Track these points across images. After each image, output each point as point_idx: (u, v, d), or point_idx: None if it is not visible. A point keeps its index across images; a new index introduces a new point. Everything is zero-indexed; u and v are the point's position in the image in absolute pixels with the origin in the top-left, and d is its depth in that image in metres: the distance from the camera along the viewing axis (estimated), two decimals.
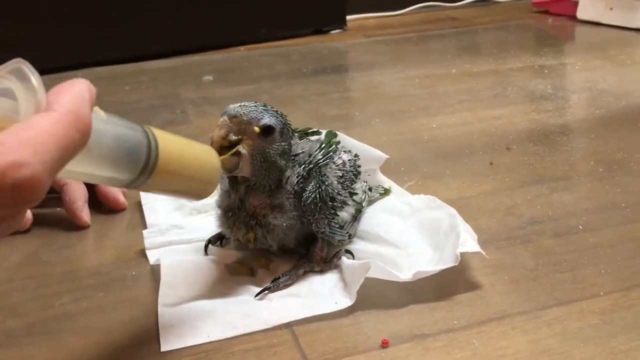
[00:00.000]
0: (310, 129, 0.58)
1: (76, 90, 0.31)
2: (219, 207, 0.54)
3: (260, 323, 0.47)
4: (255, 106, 0.49)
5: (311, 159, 0.53)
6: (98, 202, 0.67)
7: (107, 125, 0.34)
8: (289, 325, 0.47)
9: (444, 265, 0.50)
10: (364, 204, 0.58)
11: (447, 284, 0.51)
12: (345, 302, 0.49)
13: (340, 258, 0.54)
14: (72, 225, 0.64)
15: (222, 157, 0.47)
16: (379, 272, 0.49)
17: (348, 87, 1.18)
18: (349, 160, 0.56)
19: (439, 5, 2.01)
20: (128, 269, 0.56)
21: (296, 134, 0.54)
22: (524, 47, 1.44)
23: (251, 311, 0.48)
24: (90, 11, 1.39)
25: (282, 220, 0.51)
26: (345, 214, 0.54)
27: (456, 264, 0.49)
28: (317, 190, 0.51)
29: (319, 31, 1.69)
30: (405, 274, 0.49)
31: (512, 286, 0.51)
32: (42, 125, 0.29)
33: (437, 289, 0.50)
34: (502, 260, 0.54)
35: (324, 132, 0.59)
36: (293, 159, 0.52)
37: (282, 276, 0.52)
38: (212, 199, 0.65)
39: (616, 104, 0.96)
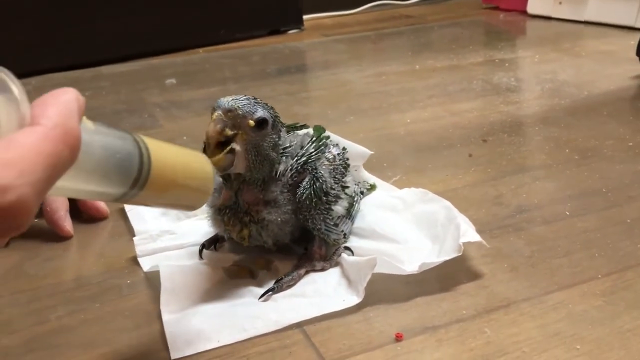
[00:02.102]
0: (298, 123, 0.58)
1: (63, 101, 0.28)
2: (211, 206, 0.53)
3: (270, 324, 0.46)
4: (247, 99, 0.47)
5: (304, 151, 0.53)
6: (78, 210, 0.65)
7: (95, 136, 0.31)
8: (299, 325, 0.47)
9: (448, 256, 0.50)
10: (355, 197, 0.58)
11: (450, 275, 0.51)
12: (353, 299, 0.48)
13: (340, 255, 0.54)
14: (54, 236, 0.62)
15: (217, 156, 0.46)
16: (384, 267, 0.49)
17: (315, 86, 1.17)
18: (338, 154, 0.56)
19: (392, 4, 2.04)
20: (121, 278, 0.55)
21: (284, 128, 0.54)
22: (481, 42, 1.48)
23: (259, 313, 0.48)
24: (42, 15, 1.34)
25: (277, 215, 0.51)
26: (339, 208, 0.54)
27: (460, 254, 0.50)
28: (312, 186, 0.51)
29: (276, 31, 1.69)
30: (410, 267, 0.49)
31: (512, 274, 0.52)
32: (28, 142, 0.26)
33: (440, 280, 0.51)
34: (498, 249, 0.55)
35: (310, 126, 0.58)
36: (283, 152, 0.52)
37: (285, 277, 0.51)
38: None
39: (579, 94, 0.99)
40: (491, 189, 0.67)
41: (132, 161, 0.34)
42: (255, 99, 0.49)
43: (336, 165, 0.55)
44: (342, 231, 0.54)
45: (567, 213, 0.61)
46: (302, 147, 0.53)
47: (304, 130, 0.57)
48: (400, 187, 0.66)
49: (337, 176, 0.54)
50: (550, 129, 0.84)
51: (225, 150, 0.46)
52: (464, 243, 0.51)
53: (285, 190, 0.51)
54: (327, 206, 0.52)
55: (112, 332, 0.47)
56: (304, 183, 0.51)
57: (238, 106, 0.46)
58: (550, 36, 1.47)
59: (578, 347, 0.43)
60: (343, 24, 1.81)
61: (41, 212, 0.62)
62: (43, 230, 0.62)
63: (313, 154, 0.52)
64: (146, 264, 0.55)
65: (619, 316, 0.46)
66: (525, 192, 0.66)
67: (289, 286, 0.51)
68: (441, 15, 1.84)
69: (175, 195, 0.39)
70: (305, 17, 1.75)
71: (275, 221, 0.50)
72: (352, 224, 0.57)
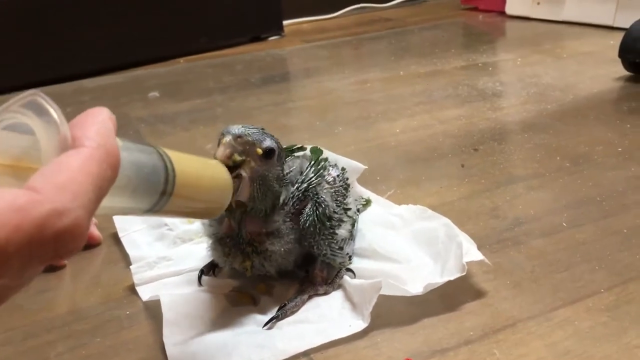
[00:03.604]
0: (295, 145, 0.57)
1: (101, 120, 0.29)
2: (211, 235, 0.52)
3: (277, 354, 0.46)
4: (256, 128, 0.47)
5: (304, 177, 0.52)
6: None
7: (124, 153, 0.31)
8: (306, 354, 0.46)
9: (452, 275, 0.50)
10: (356, 217, 0.57)
11: (453, 294, 0.51)
12: (359, 324, 0.48)
13: (342, 277, 0.53)
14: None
15: None
16: (388, 289, 0.49)
17: (301, 96, 1.17)
18: (337, 175, 0.55)
19: (370, 7, 2.04)
20: (120, 308, 0.53)
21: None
22: (462, 45, 1.48)
23: (264, 341, 0.47)
24: (21, 30, 1.32)
25: (280, 245, 0.50)
26: (343, 231, 0.53)
27: (464, 274, 0.50)
28: (315, 213, 0.50)
29: (257, 38, 1.68)
30: (414, 288, 0.49)
31: (515, 290, 0.52)
32: (76, 164, 0.26)
33: (443, 299, 0.51)
34: (499, 264, 0.55)
35: (307, 147, 0.58)
36: (284, 179, 0.51)
37: (288, 303, 0.50)
38: (194, 225, 0.64)
39: (564, 98, 1.00)
40: (486, 201, 0.67)
41: (159, 175, 0.34)
42: (263, 129, 0.48)
43: (337, 187, 0.54)
44: (347, 254, 0.54)
45: (564, 224, 0.61)
46: (301, 173, 0.52)
47: (300, 153, 0.56)
48: (396, 201, 0.65)
49: (338, 198, 0.53)
50: (540, 135, 0.85)
51: (232, 175, 0.45)
52: (469, 264, 0.50)
53: (288, 220, 0.50)
54: (332, 230, 0.52)
55: None
56: (306, 210, 0.50)
57: (248, 133, 0.46)
58: (530, 37, 1.48)
59: None
60: (323, 28, 1.80)
61: None
62: None
63: (313, 179, 0.52)
64: (145, 293, 0.54)
65: (625, 332, 0.46)
66: (521, 203, 0.66)
67: (293, 312, 0.50)
68: (420, 18, 1.84)
69: (198, 204, 0.40)
70: (285, 22, 1.75)
71: (278, 252, 0.50)
72: (354, 244, 0.57)
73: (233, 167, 0.46)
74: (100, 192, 0.27)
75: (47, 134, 0.27)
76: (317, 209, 0.51)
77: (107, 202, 0.31)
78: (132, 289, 0.56)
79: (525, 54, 1.31)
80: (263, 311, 0.51)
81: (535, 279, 0.53)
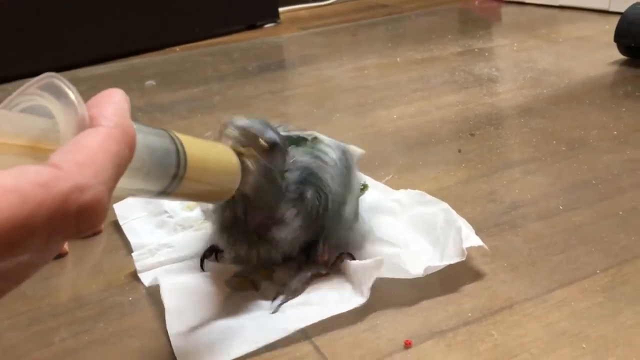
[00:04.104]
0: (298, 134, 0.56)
1: (117, 101, 0.29)
2: (215, 223, 0.52)
3: (279, 331, 0.46)
4: (260, 121, 0.47)
5: (301, 162, 0.51)
6: None
7: (138, 135, 0.32)
8: (307, 337, 0.47)
9: (452, 260, 0.51)
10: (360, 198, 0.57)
11: (451, 277, 0.52)
12: (358, 300, 0.49)
13: (343, 261, 0.54)
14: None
15: None
16: (390, 271, 0.50)
17: (298, 84, 1.17)
18: (338, 157, 0.54)
19: None
20: (123, 295, 0.54)
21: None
22: (459, 31, 1.48)
23: (266, 323, 0.48)
24: (15, 20, 1.31)
25: (286, 233, 0.50)
26: (349, 211, 0.53)
27: (463, 259, 0.50)
28: (316, 198, 0.50)
29: (253, 26, 1.67)
30: (415, 270, 0.50)
31: (513, 273, 0.52)
32: (95, 143, 0.26)
33: (442, 282, 0.51)
34: (496, 248, 0.56)
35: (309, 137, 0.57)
36: (285, 170, 0.50)
37: (291, 280, 0.51)
38: (194, 212, 0.64)
39: (560, 83, 1.00)
40: (484, 185, 0.68)
41: (171, 157, 0.35)
42: (267, 122, 0.48)
43: (338, 169, 0.53)
44: (359, 233, 0.54)
45: (561, 207, 0.62)
46: (297, 159, 0.52)
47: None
48: (394, 187, 0.66)
49: (340, 181, 0.53)
50: (536, 120, 0.85)
51: None
52: (467, 248, 0.51)
53: (291, 206, 0.50)
54: (338, 213, 0.52)
55: (119, 353, 0.47)
56: (308, 196, 0.50)
57: (251, 125, 0.46)
58: (526, 22, 1.48)
59: (584, 345, 0.43)
60: (319, 15, 1.80)
61: None
62: None
63: (312, 163, 0.52)
64: (147, 279, 0.55)
65: (620, 312, 0.47)
66: (518, 187, 0.67)
67: (298, 291, 0.50)
68: (416, 4, 1.84)
69: (208, 187, 0.41)
70: (280, 9, 1.74)
71: (285, 239, 0.50)
72: (366, 224, 0.56)
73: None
74: (119, 170, 0.28)
75: (66, 116, 0.27)
76: (318, 194, 0.51)
77: (122, 183, 0.31)
78: (134, 276, 0.56)
79: (521, 39, 1.31)
80: (264, 296, 0.52)
81: (532, 262, 0.54)
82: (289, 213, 0.50)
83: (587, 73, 1.04)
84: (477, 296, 0.50)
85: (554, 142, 0.78)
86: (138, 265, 0.56)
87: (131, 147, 0.28)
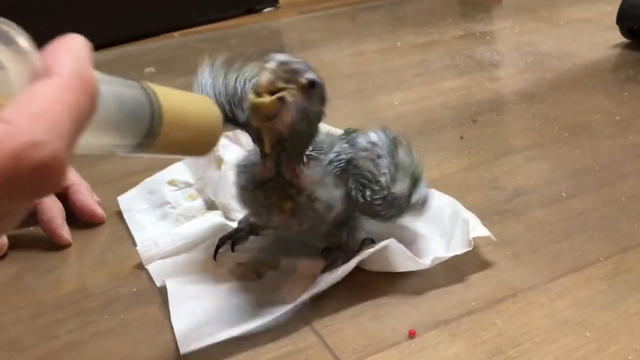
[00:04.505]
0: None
1: (75, 47, 0.26)
2: (242, 185, 0.50)
3: (279, 307, 0.47)
4: (301, 60, 0.45)
5: (339, 150, 0.50)
6: (74, 217, 0.64)
7: (105, 86, 0.29)
8: (312, 327, 0.47)
9: (458, 250, 0.51)
10: (418, 167, 0.54)
11: (455, 266, 0.52)
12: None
13: (368, 245, 0.52)
14: (52, 244, 0.61)
15: (266, 99, 0.43)
16: (397, 262, 0.50)
17: None
18: (377, 139, 0.52)
19: None
20: (127, 286, 0.54)
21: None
22: (459, 14, 1.47)
23: (265, 304, 0.49)
24: (9, 7, 1.30)
25: (325, 194, 0.48)
26: (398, 190, 0.50)
27: (470, 249, 0.51)
28: (357, 187, 0.49)
29: (251, 10, 1.66)
30: (422, 261, 0.50)
31: (516, 261, 0.52)
32: (50, 93, 0.24)
33: (447, 271, 0.51)
34: (500, 235, 0.55)
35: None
36: (321, 150, 0.50)
37: (324, 271, 0.50)
38: (196, 202, 0.64)
39: (562, 67, 1.00)
40: (486, 173, 0.68)
41: (143, 110, 0.32)
42: (309, 64, 0.46)
43: (377, 151, 0.51)
44: (416, 201, 0.52)
45: (563, 194, 0.62)
46: (332, 144, 0.51)
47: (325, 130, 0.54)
48: None
49: (382, 162, 0.51)
50: (538, 105, 0.85)
51: (276, 95, 0.43)
52: (472, 238, 0.51)
53: (332, 176, 0.49)
54: (385, 193, 0.49)
55: (125, 344, 0.47)
56: (349, 185, 0.49)
57: (292, 61, 0.44)
58: (527, 4, 1.47)
59: (587, 334, 0.44)
60: None
61: (37, 221, 0.61)
62: (40, 239, 0.61)
63: (347, 149, 0.51)
64: (156, 275, 0.54)
65: (623, 300, 0.47)
66: (520, 174, 0.67)
67: (331, 277, 0.49)
68: None
69: (187, 140, 0.38)
70: None
71: (321, 199, 0.48)
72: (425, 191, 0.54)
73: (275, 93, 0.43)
74: (79, 122, 0.25)
75: (17, 65, 0.24)
76: (358, 184, 0.49)
77: (88, 139, 0.29)
78: (138, 267, 0.56)
79: (522, 21, 1.30)
80: (269, 285, 0.52)
81: (535, 250, 0.54)
82: (329, 179, 0.49)
83: (589, 56, 1.04)
84: (480, 285, 0.50)
85: (556, 127, 0.77)
86: (144, 259, 0.56)
87: (92, 96, 0.26)
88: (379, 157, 0.51)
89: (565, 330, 0.44)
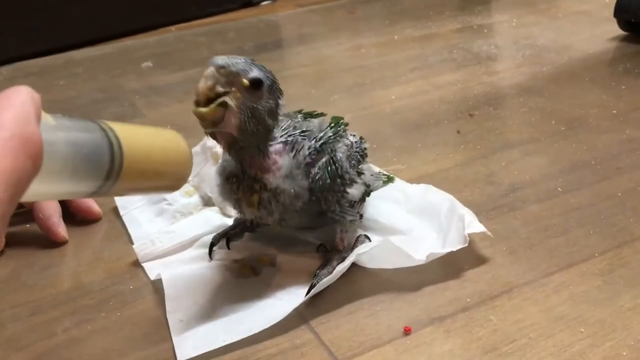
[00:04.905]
0: (315, 111, 0.56)
1: (18, 103, 0.25)
2: (220, 175, 0.51)
3: (277, 309, 0.47)
4: (243, 59, 0.45)
5: (322, 134, 0.51)
6: (70, 214, 0.64)
7: (58, 133, 0.29)
8: (308, 324, 0.47)
9: (454, 247, 0.51)
10: (371, 187, 0.56)
11: (451, 262, 0.52)
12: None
13: (363, 242, 0.53)
14: (48, 242, 0.61)
15: (208, 107, 0.43)
16: (393, 258, 0.50)
17: (295, 64, 1.16)
18: (355, 142, 0.54)
19: None
20: (124, 283, 0.54)
21: (300, 114, 0.53)
22: (457, 7, 1.46)
23: (264, 308, 0.49)
24: (7, 1, 1.29)
25: (290, 185, 0.48)
26: (354, 192, 0.52)
27: (465, 245, 0.51)
28: (327, 168, 0.50)
29: (248, 4, 1.65)
30: (418, 257, 0.50)
31: (512, 257, 0.53)
32: None
33: (442, 267, 0.52)
34: (495, 231, 0.56)
35: (326, 114, 0.57)
36: (303, 133, 0.50)
37: (320, 271, 0.50)
38: (193, 198, 0.64)
39: (559, 60, 1.00)
40: (482, 168, 0.68)
41: (102, 153, 0.32)
42: (252, 60, 0.46)
43: (353, 151, 0.53)
44: (358, 212, 0.53)
45: (559, 189, 0.62)
46: (320, 131, 0.52)
47: (320, 118, 0.55)
48: (391, 171, 0.66)
49: (352, 162, 0.52)
50: (535, 99, 0.85)
51: (216, 102, 0.43)
52: (468, 234, 0.51)
53: (301, 167, 0.49)
54: (342, 188, 0.51)
55: (122, 342, 0.47)
56: (319, 163, 0.50)
57: (232, 63, 0.44)
58: None
59: (582, 330, 0.44)
60: None
61: (33, 219, 0.61)
62: (37, 236, 0.61)
63: (332, 137, 0.51)
64: (151, 270, 0.54)
65: (618, 295, 0.47)
66: (517, 168, 0.67)
67: (326, 279, 0.49)
68: None
69: (153, 179, 0.38)
70: None
71: (287, 191, 0.48)
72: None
73: (217, 99, 0.44)
74: (18, 189, 0.24)
75: None
76: (329, 164, 0.50)
77: (41, 188, 0.29)
78: (135, 264, 0.56)
79: (520, 14, 1.30)
80: (265, 281, 0.52)
81: (531, 245, 0.54)
82: (297, 171, 0.49)
83: (586, 49, 1.03)
84: (476, 281, 0.50)
85: (553, 121, 0.77)
86: (140, 257, 0.56)
87: (35, 157, 0.25)
88: (352, 156, 0.52)
89: (560, 326, 0.44)
